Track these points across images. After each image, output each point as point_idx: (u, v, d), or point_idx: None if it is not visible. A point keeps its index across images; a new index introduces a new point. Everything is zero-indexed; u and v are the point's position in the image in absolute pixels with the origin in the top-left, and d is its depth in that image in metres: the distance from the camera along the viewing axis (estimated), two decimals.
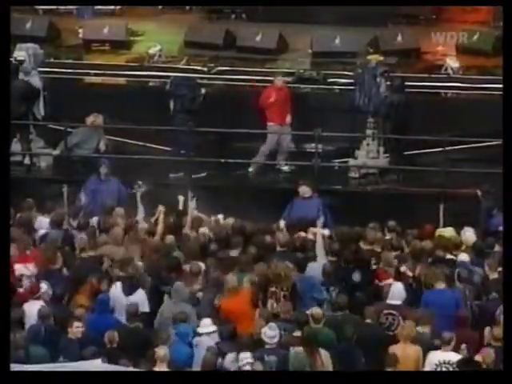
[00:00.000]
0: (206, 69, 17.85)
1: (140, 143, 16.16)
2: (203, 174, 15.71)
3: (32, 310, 11.30)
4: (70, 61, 18.39)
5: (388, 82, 15.96)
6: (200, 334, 11.06)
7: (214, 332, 11.06)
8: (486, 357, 10.39)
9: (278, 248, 12.67)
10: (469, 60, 18.19)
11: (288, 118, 15.89)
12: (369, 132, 15.89)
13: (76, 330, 10.84)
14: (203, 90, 16.27)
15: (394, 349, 10.52)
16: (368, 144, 15.89)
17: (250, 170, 15.80)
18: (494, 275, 12.17)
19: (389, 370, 10.23)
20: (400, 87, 15.98)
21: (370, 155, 15.87)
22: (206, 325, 11.16)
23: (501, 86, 17.00)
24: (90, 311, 11.43)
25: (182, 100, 15.93)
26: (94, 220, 13.27)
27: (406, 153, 15.86)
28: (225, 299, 11.59)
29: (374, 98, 15.66)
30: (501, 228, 13.05)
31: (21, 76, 16.13)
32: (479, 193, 14.02)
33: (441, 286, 11.53)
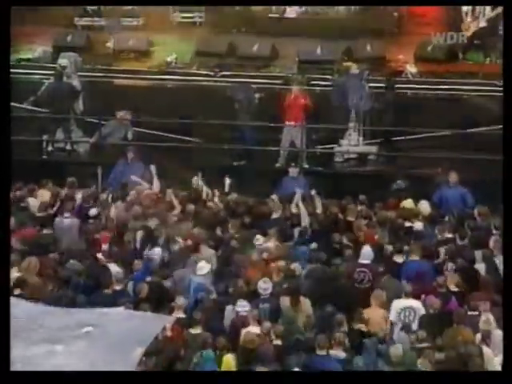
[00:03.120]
0: (212, 73, 17.83)
1: (160, 133, 15.98)
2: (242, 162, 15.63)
3: None
4: (102, 67, 18.37)
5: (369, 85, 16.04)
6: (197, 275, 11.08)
7: (208, 273, 11.09)
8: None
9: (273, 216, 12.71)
10: (424, 66, 18.22)
11: (302, 119, 15.61)
12: (351, 124, 15.82)
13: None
14: (257, 95, 16.20)
15: (367, 312, 10.45)
16: (350, 134, 15.83)
17: (278, 164, 15.62)
18: (443, 237, 12.22)
19: (358, 326, 10.19)
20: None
21: (351, 143, 15.86)
22: (202, 267, 11.17)
23: (450, 86, 17.37)
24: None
25: (241, 103, 15.92)
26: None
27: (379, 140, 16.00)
28: None
29: (361, 97, 15.71)
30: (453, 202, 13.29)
31: (64, 79, 16.10)
32: (439, 171, 13.94)
33: (416, 257, 11.53)
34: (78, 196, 13.10)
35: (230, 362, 9.33)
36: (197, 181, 13.58)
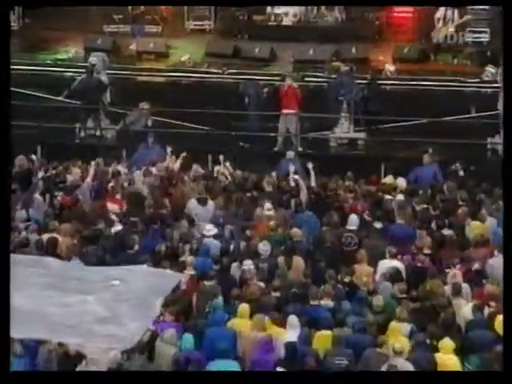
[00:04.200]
0: (220, 71, 17.68)
1: (175, 122, 15.84)
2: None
3: None
4: (127, 65, 18.22)
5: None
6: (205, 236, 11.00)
7: (215, 234, 11.01)
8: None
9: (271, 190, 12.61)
10: (401, 65, 18.07)
11: (295, 108, 15.45)
12: (343, 114, 15.72)
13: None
14: (265, 89, 16.08)
15: (355, 267, 10.40)
16: (342, 123, 15.73)
17: (276, 148, 15.50)
18: (419, 208, 12.12)
19: (346, 280, 10.08)
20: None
21: (343, 130, 15.75)
22: (209, 229, 11.08)
23: (422, 82, 17.29)
24: None
25: (250, 97, 15.81)
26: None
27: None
28: None
29: (352, 90, 15.65)
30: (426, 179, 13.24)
31: (94, 75, 15.94)
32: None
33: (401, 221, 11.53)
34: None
35: (245, 310, 9.16)
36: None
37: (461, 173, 13.63)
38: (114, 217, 11.62)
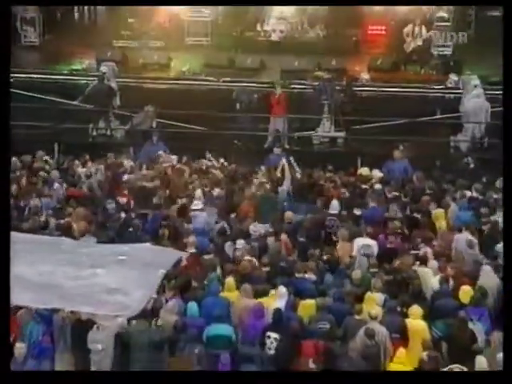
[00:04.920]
0: (216, 79, 17.49)
1: (178, 123, 15.56)
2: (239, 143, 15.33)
3: None
4: (134, 74, 17.92)
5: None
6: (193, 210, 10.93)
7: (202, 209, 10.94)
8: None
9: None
10: (375, 74, 17.86)
11: (283, 111, 15.23)
12: (324, 116, 15.51)
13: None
14: (255, 95, 15.98)
15: (337, 247, 10.37)
16: (324, 124, 15.52)
17: (266, 145, 15.15)
18: (391, 195, 11.99)
19: (326, 257, 9.95)
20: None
21: (325, 130, 15.53)
22: (196, 203, 11.03)
23: (393, 89, 17.16)
24: None
25: (242, 102, 15.70)
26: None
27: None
28: None
29: (332, 95, 15.47)
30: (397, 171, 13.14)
31: (105, 82, 15.72)
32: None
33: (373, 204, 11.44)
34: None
35: (231, 283, 9.03)
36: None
37: (472, 165, 13.42)
38: (123, 201, 11.50)
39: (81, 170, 12.89)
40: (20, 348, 7.92)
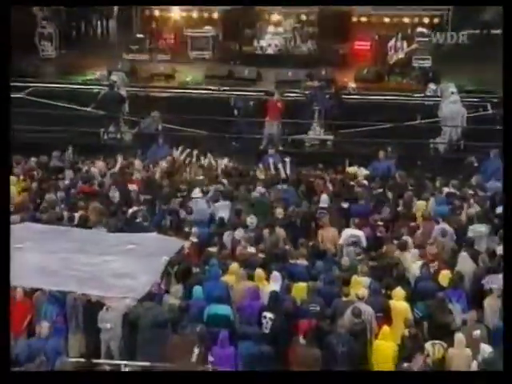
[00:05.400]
0: (216, 88, 17.40)
1: (181, 128, 15.44)
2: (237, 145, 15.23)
3: None
4: (141, 84, 17.86)
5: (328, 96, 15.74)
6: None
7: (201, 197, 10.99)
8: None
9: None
10: (360, 84, 17.83)
11: (278, 116, 15.16)
12: (315, 121, 15.43)
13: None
14: (251, 102, 15.85)
15: (324, 233, 10.31)
16: (314, 128, 15.43)
17: (262, 147, 15.05)
18: (376, 191, 11.91)
19: (312, 243, 9.85)
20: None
21: (316, 133, 15.45)
22: (196, 192, 11.07)
23: (378, 97, 17.09)
24: None
25: (239, 109, 15.53)
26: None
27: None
28: None
29: (323, 101, 15.44)
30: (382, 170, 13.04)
31: (115, 90, 15.63)
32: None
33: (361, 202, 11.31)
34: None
35: (235, 268, 8.97)
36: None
37: (475, 164, 13.37)
38: (133, 195, 11.43)
39: (93, 169, 12.81)
40: (45, 327, 7.89)
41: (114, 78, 16.00)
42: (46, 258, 7.81)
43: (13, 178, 11.40)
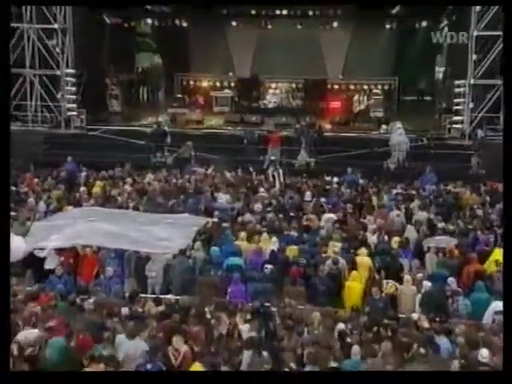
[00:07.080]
0: (232, 128, 17.46)
1: (207, 154, 15.31)
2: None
3: None
4: (180, 126, 17.92)
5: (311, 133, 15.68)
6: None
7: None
8: None
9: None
10: (334, 126, 17.86)
11: (277, 145, 14.95)
12: (302, 149, 15.30)
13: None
14: (256, 133, 15.79)
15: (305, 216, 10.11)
16: (302, 153, 15.29)
17: (264, 167, 14.72)
18: (346, 195, 11.78)
19: (306, 223, 9.66)
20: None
21: (303, 158, 15.26)
22: (221, 196, 10.89)
23: (347, 134, 16.99)
24: None
25: (248, 139, 15.55)
26: None
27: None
28: None
29: (307, 136, 15.41)
30: (349, 181, 12.89)
31: (161, 127, 15.83)
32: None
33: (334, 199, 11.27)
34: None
35: (243, 235, 8.80)
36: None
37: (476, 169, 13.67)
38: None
39: (145, 181, 12.84)
40: (109, 271, 7.85)
41: (160, 119, 16.13)
42: (112, 228, 7.77)
43: (99, 183, 12.09)
